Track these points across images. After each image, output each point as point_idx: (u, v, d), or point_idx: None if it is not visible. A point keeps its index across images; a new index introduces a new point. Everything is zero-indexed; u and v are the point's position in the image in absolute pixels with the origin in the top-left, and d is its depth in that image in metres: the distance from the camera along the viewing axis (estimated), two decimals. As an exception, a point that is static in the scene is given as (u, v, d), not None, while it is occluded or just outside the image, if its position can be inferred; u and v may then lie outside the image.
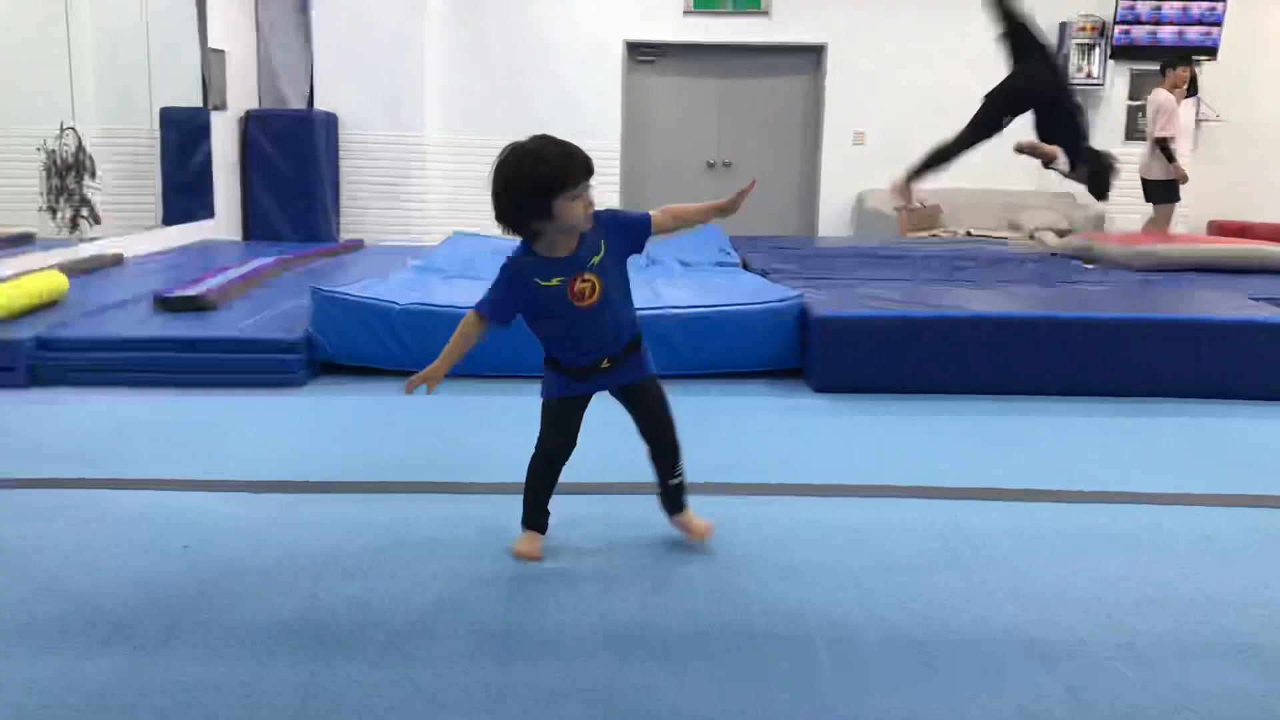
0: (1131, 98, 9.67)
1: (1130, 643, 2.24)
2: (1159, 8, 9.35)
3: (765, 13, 9.98)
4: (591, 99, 9.94)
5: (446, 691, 2.00)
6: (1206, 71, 9.60)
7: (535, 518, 2.70)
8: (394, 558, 2.65)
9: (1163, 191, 8.10)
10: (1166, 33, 9.41)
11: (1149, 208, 8.21)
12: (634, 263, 6.70)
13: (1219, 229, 9.47)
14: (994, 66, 9.92)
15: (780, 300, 4.77)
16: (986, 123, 6.47)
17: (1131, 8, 9.36)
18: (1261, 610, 2.42)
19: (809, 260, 6.83)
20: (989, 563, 2.68)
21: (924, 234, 9.44)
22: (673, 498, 2.74)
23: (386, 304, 4.64)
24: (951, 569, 2.63)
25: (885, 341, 4.51)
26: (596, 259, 2.49)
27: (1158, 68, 8.04)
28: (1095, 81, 9.77)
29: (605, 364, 2.58)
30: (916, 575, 2.59)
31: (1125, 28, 9.40)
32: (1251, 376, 4.52)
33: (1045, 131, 6.43)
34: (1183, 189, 8.02)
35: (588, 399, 2.66)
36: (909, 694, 2.02)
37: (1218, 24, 9.39)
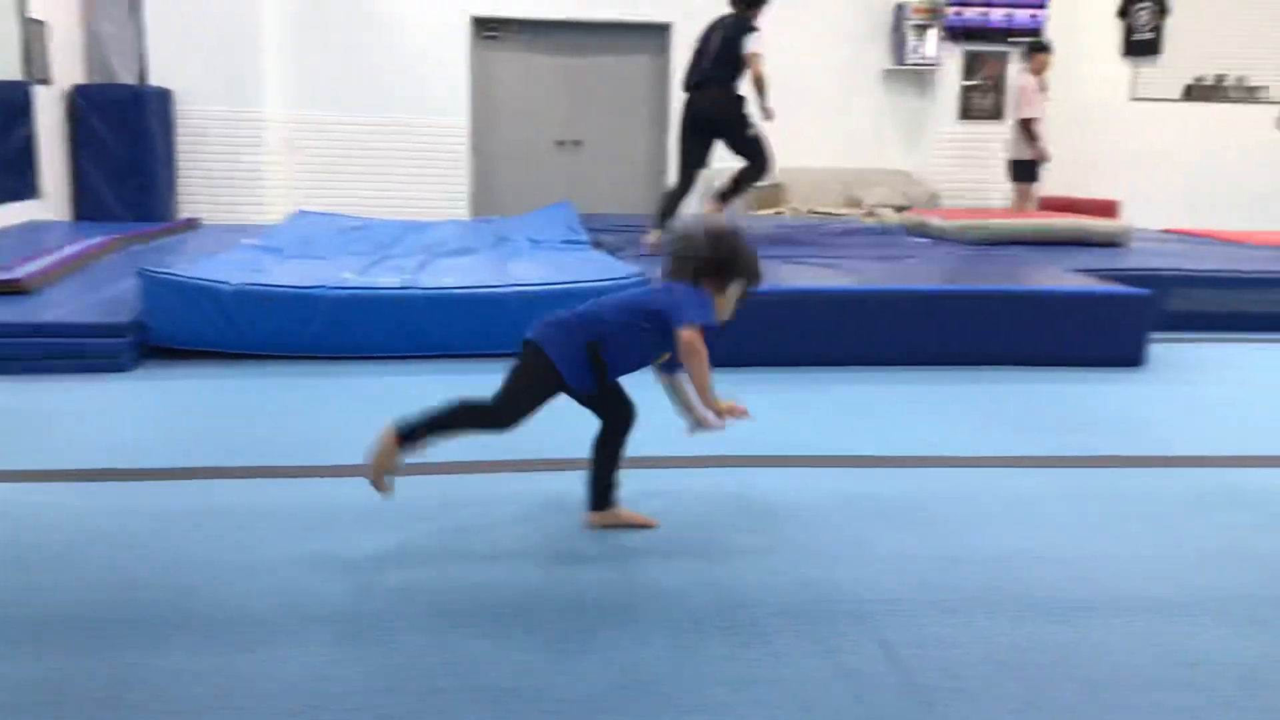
0: (965, 78, 10.01)
1: (940, 599, 2.36)
2: (990, -9, 9.72)
3: (614, -10, 9.99)
4: (437, 75, 9.80)
5: (270, 677, 1.98)
6: (1033, 53, 10.01)
7: (417, 437, 2.59)
8: (226, 544, 2.59)
9: (1026, 171, 8.52)
10: (996, 15, 9.78)
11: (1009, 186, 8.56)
12: (483, 239, 6.65)
13: (1046, 204, 9.91)
14: (842, 43, 10.23)
15: (626, 278, 4.81)
16: (688, 157, 6.55)
17: (963, -10, 9.71)
18: (1063, 565, 2.57)
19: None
20: (803, 526, 2.77)
21: (769, 211, 9.62)
22: (609, 492, 2.75)
23: (217, 285, 4.50)
24: (775, 534, 2.72)
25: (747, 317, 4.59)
26: None
27: (1021, 50, 8.38)
28: (930, 62, 10.09)
29: None
30: (746, 538, 2.67)
31: (958, 9, 9.73)
32: (1071, 343, 4.77)
33: (734, 150, 6.55)
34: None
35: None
36: (734, 658, 2.08)
37: (1043, 6, 9.80)
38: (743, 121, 6.44)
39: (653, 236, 6.30)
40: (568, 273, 4.94)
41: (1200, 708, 1.94)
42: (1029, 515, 2.91)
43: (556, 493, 2.97)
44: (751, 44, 6.40)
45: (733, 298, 2.67)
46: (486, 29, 10.17)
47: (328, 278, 4.77)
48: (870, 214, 9.40)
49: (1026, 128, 8.33)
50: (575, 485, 3.06)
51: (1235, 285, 5.66)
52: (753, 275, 2.69)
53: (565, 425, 3.53)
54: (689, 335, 2.51)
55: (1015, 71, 9.89)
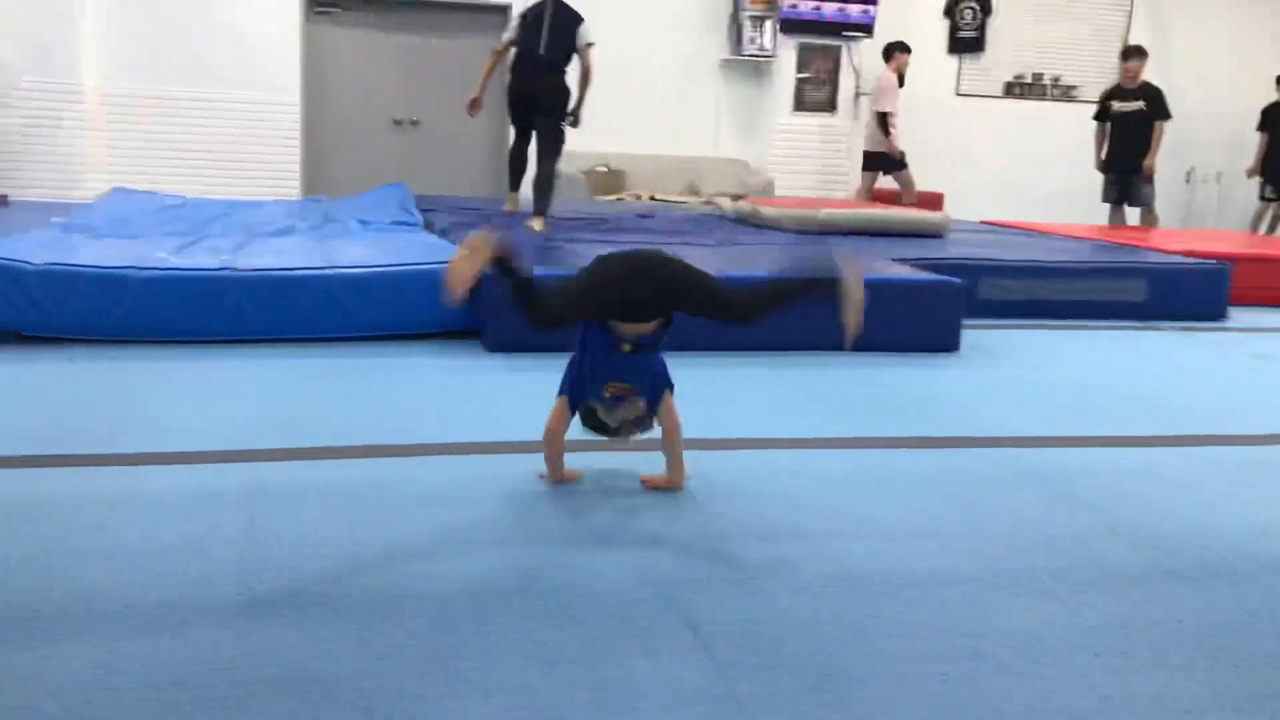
0: (799, 70, 10.23)
1: (744, 576, 2.42)
2: (822, -16, 9.96)
3: (448, -32, 9.85)
4: (268, 51, 9.48)
5: (50, 676, 1.89)
6: (864, 48, 10.30)
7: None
8: (17, 536, 2.46)
9: (882, 162, 9.32)
10: (830, 9, 10.02)
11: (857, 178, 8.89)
12: (307, 219, 6.46)
13: (876, 196, 10.23)
14: (681, 33, 10.31)
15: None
16: (522, 122, 6.91)
17: (798, -16, 9.92)
18: (866, 540, 2.66)
19: (495, 221, 6.83)
20: (638, 510, 2.80)
21: (610, 197, 9.66)
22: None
23: (19, 264, 4.26)
24: (591, 518, 2.74)
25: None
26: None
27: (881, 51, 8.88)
28: (767, 54, 10.28)
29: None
30: (555, 522, 2.68)
31: (793, 3, 9.93)
32: (891, 330, 4.90)
33: (539, 134, 6.84)
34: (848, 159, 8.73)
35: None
36: (543, 641, 2.09)
37: (874, 2, 10.09)
38: (563, 114, 6.69)
39: (510, 203, 7.20)
40: (393, 255, 4.85)
41: (984, 675, 2.03)
42: (839, 494, 3.01)
43: (361, 482, 2.92)
44: (588, 36, 6.59)
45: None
46: (319, 4, 9.89)
47: (140, 258, 4.57)
48: (708, 202, 9.53)
49: (883, 122, 8.96)
50: (380, 473, 3.03)
51: (1042, 275, 5.95)
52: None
53: (358, 413, 3.48)
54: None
55: (862, 65, 10.19)
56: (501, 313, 4.53)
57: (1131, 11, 11.44)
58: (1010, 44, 11.05)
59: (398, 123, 10.33)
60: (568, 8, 6.65)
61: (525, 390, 4.01)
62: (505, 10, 10.09)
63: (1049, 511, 2.95)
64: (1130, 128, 9.14)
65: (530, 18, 6.66)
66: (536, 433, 3.32)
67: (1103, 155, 9.32)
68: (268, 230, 5.87)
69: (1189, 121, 11.60)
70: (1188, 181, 11.72)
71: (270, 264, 4.61)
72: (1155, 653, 2.15)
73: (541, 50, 6.53)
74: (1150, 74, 11.43)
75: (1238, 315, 6.28)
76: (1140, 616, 2.31)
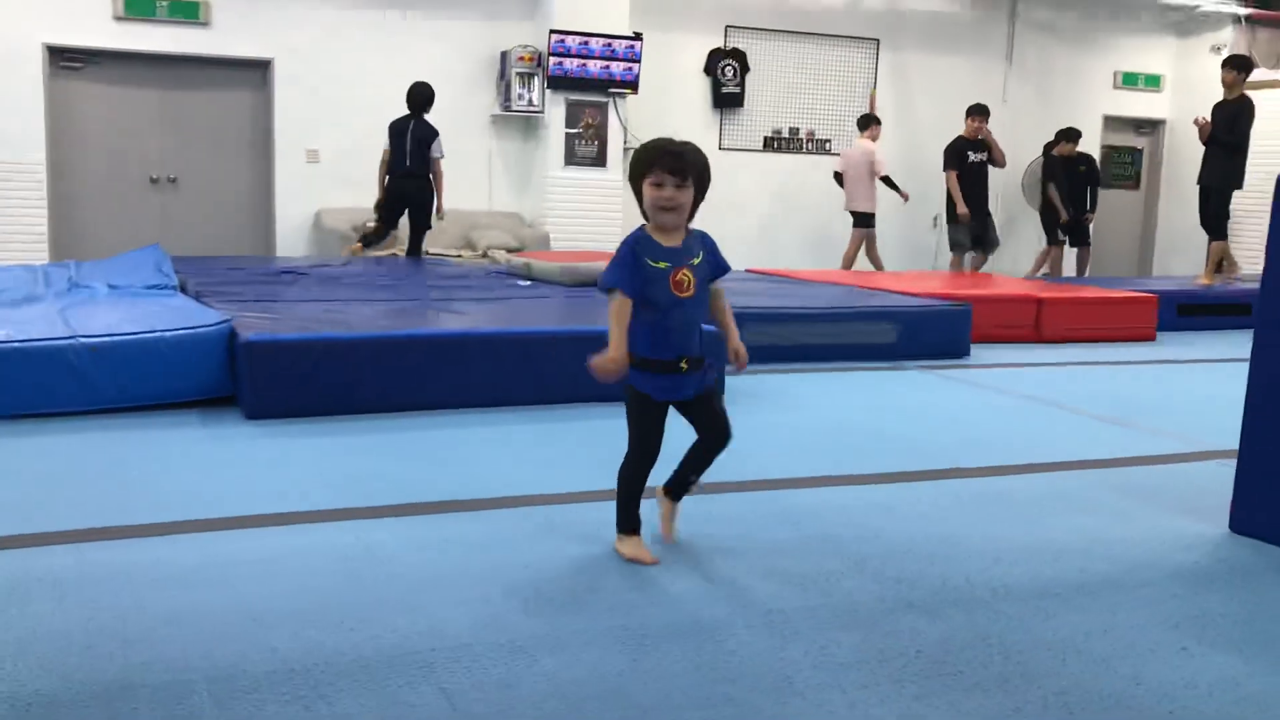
0: (569, 125, 10.40)
1: (509, 640, 2.40)
2: (586, 43, 10.15)
3: (205, 24, 9.55)
4: (8, 107, 8.94)
5: None
6: (630, 104, 10.58)
7: (633, 519, 2.94)
8: None
9: (868, 219, 10.76)
10: (595, 67, 10.25)
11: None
12: (54, 285, 6.10)
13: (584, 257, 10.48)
14: (451, 87, 10.32)
15: (207, 325, 4.57)
16: (391, 213, 8.97)
17: (562, 41, 10.08)
18: (627, 594, 2.69)
19: (258, 282, 6.62)
20: (388, 580, 2.75)
21: (382, 253, 9.52)
22: (685, 488, 3.06)
23: None
24: (350, 590, 2.67)
25: (318, 364, 4.48)
26: (696, 260, 2.83)
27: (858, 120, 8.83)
28: (536, 109, 10.40)
29: (684, 365, 2.84)
30: (314, 600, 2.59)
31: (559, 60, 10.11)
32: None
33: (413, 224, 9.02)
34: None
35: (665, 409, 2.91)
36: (288, 723, 2.01)
37: (636, 60, 10.39)
38: (429, 210, 8.77)
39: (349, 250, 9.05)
40: (142, 322, 4.62)
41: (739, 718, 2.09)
42: (608, 546, 3.03)
43: (100, 567, 2.76)
44: (437, 150, 8.61)
45: (648, 192, 2.80)
46: (65, 59, 9.40)
47: None
48: (484, 255, 9.53)
49: (890, 183, 10.73)
50: (122, 556, 2.89)
51: (799, 320, 6.22)
52: (642, 165, 2.82)
53: (99, 491, 3.33)
54: (615, 300, 2.79)
55: (629, 120, 10.44)
56: (259, 378, 4.39)
57: (876, 72, 12.20)
58: (768, 100, 11.57)
59: (154, 180, 9.90)
60: (425, 125, 8.58)
61: (284, 458, 3.90)
62: (267, 66, 9.87)
63: (801, 551, 3.06)
64: (981, 177, 10.43)
65: (395, 132, 8.58)
66: (295, 503, 3.23)
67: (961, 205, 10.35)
68: (6, 300, 5.49)
69: (933, 172, 12.48)
70: (935, 227, 12.52)
71: (4, 336, 4.31)
72: (895, 683, 2.26)
73: (407, 161, 8.56)
74: (893, 130, 12.26)
75: (978, 352, 6.73)
76: (882, 650, 2.42)
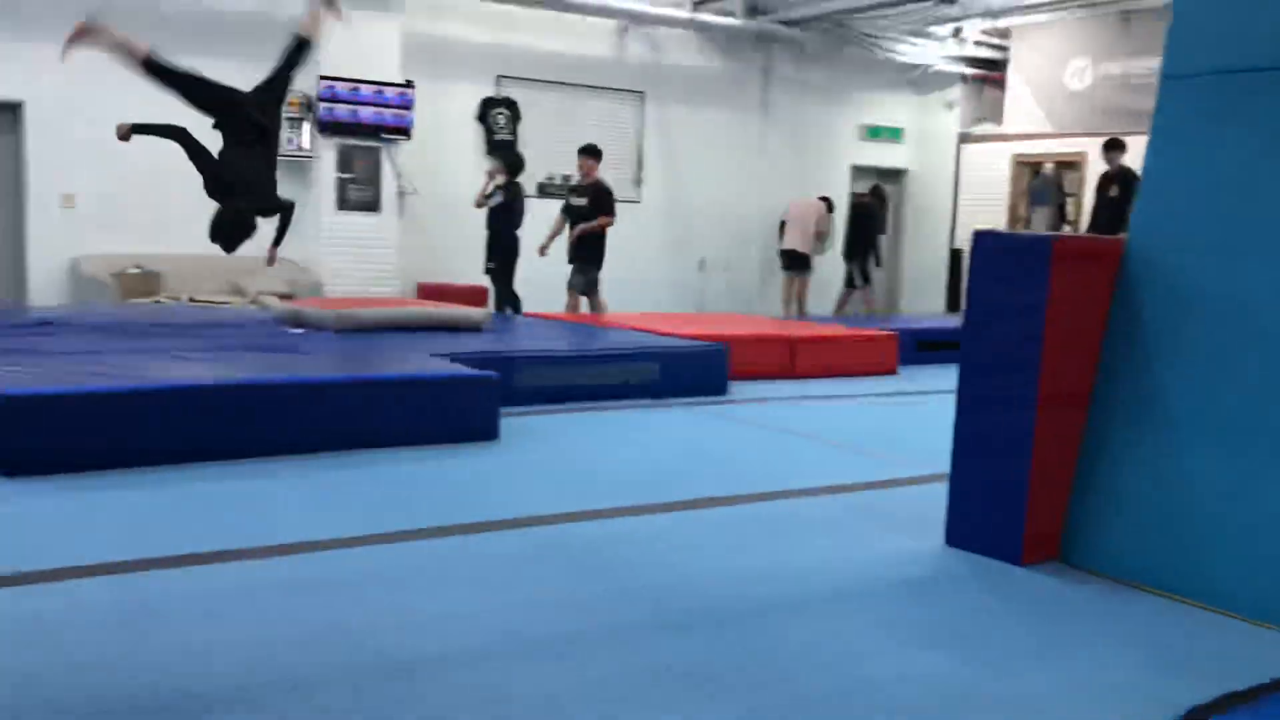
0: (340, 170, 10.39)
1: (286, 677, 2.52)
2: (356, 89, 10.20)
3: (-53, 62, 9.06)
4: None
5: None
6: (404, 149, 10.68)
7: None
8: None
9: (804, 263, 12.29)
10: (366, 112, 10.29)
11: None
12: None
13: (424, 291, 10.57)
14: (199, 130, 10.12)
15: (-41, 382, 4.42)
16: None
17: (331, 87, 10.09)
18: (403, 629, 2.85)
19: (12, 334, 6.36)
20: (162, 627, 2.81)
21: (145, 300, 9.24)
22: None
23: None
24: (124, 640, 2.71)
25: (81, 417, 4.40)
26: None
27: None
28: (307, 154, 10.36)
29: None
30: (90, 652, 2.63)
31: (329, 105, 10.10)
32: (432, 422, 5.16)
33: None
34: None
35: None
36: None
37: (409, 107, 10.50)
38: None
39: None
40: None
41: (502, 736, 2.29)
42: (385, 588, 3.17)
43: None
44: None
45: None
46: None
47: None
48: (255, 301, 9.38)
49: (821, 236, 12.42)
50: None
51: (568, 363, 6.49)
52: None
53: None
54: None
55: (403, 166, 10.50)
56: (17, 433, 4.28)
57: (643, 123, 12.73)
58: (540, 148, 11.87)
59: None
60: None
61: (44, 514, 3.84)
62: (16, 108, 9.45)
63: (569, 581, 3.29)
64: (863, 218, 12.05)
65: None
66: (58, 559, 3.23)
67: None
68: None
69: (699, 217, 13.10)
70: (701, 270, 13.13)
71: None
72: (646, 696, 2.51)
73: None
74: (661, 178, 12.86)
75: (736, 388, 7.19)
76: (640, 665, 2.68)
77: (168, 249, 9.80)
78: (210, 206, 5.54)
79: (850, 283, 12.87)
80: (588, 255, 9.67)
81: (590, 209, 9.65)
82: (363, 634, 2.81)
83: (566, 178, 12.19)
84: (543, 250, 9.82)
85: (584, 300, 9.91)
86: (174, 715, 2.32)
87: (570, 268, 9.80)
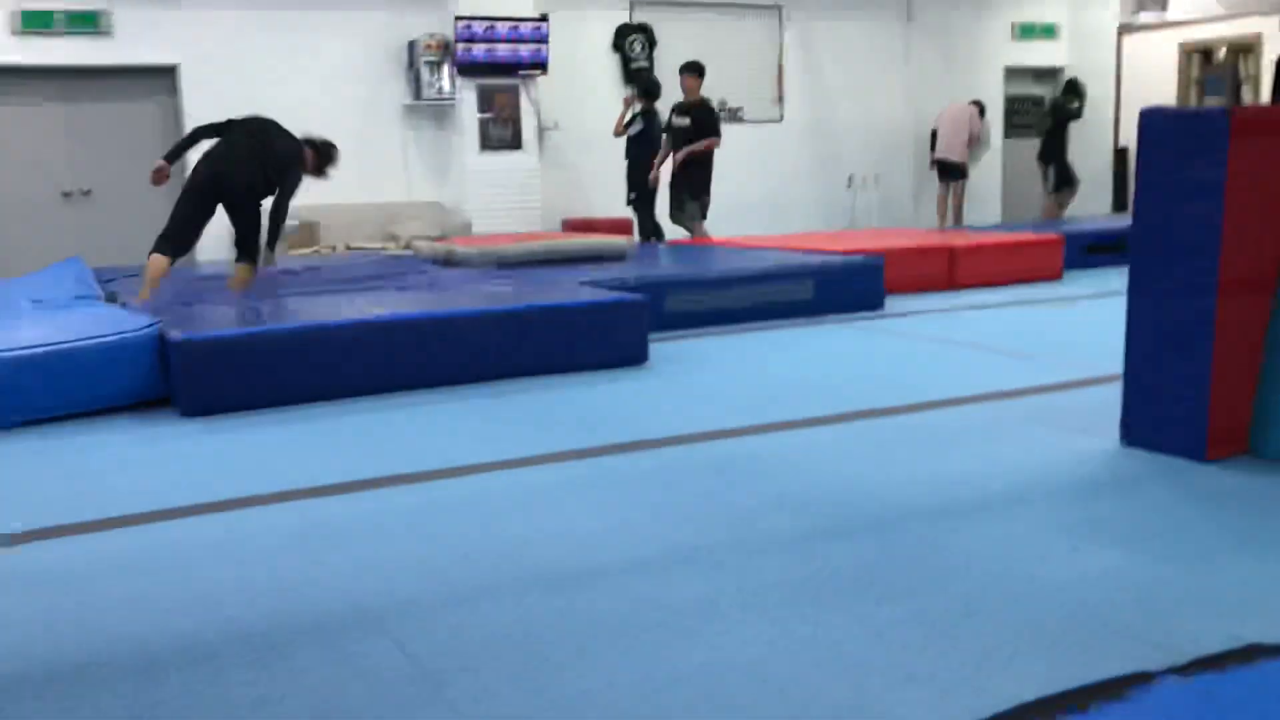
0: (481, 110, 10.46)
1: (454, 591, 2.56)
2: (492, 28, 10.22)
3: (107, 33, 9.46)
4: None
5: None
6: (540, 85, 10.67)
7: None
8: None
9: (957, 172, 11.94)
10: (503, 50, 10.31)
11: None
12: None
13: (569, 226, 10.62)
14: (359, 80, 10.37)
15: (135, 330, 4.63)
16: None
17: (468, 27, 10.13)
18: (564, 542, 2.87)
19: (187, 288, 6.66)
20: (337, 547, 2.89)
21: (305, 251, 9.55)
22: None
23: None
24: (300, 560, 2.80)
25: (249, 358, 4.57)
26: None
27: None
28: (447, 97, 10.46)
29: None
30: (267, 572, 2.73)
31: (466, 46, 10.16)
32: (582, 350, 5.18)
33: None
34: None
35: None
36: (253, 682, 2.15)
37: (544, 41, 10.47)
38: None
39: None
40: (70, 331, 4.67)
41: (666, 641, 2.27)
42: (543, 505, 3.20)
43: (51, 563, 2.87)
44: None
45: None
46: (-38, 77, 9.27)
47: None
48: (408, 246, 9.59)
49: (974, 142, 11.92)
50: (71, 551, 2.99)
51: (719, 285, 6.42)
52: None
53: (42, 496, 3.39)
54: None
55: (540, 102, 10.54)
56: (191, 377, 4.48)
57: (782, 41, 12.41)
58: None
59: (67, 195, 9.81)
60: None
61: (223, 450, 4.01)
62: (173, 71, 9.81)
63: (727, 494, 3.25)
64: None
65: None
66: (238, 489, 3.35)
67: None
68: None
69: (844, 133, 12.74)
70: (849, 187, 12.80)
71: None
72: (813, 600, 2.46)
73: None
74: (802, 95, 12.52)
75: (893, 303, 6.99)
76: (801, 572, 2.62)
77: (321, 200, 10.07)
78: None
79: (1058, 186, 12.34)
80: (692, 182, 8.99)
81: (694, 130, 9.03)
82: (523, 549, 2.83)
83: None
84: (653, 180, 9.18)
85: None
86: (350, 629, 2.38)
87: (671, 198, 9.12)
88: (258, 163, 6.33)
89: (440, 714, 2.00)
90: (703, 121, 9.05)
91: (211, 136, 6.52)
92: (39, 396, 4.37)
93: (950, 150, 11.88)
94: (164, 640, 2.35)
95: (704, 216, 9.17)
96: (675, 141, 9.13)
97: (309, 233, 9.90)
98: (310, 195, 10.08)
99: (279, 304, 5.54)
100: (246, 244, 6.44)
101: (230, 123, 6.52)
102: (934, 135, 12.10)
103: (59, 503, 3.38)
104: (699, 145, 8.98)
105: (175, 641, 2.34)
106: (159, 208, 10.07)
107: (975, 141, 11.99)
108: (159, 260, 6.24)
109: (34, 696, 2.12)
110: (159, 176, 6.33)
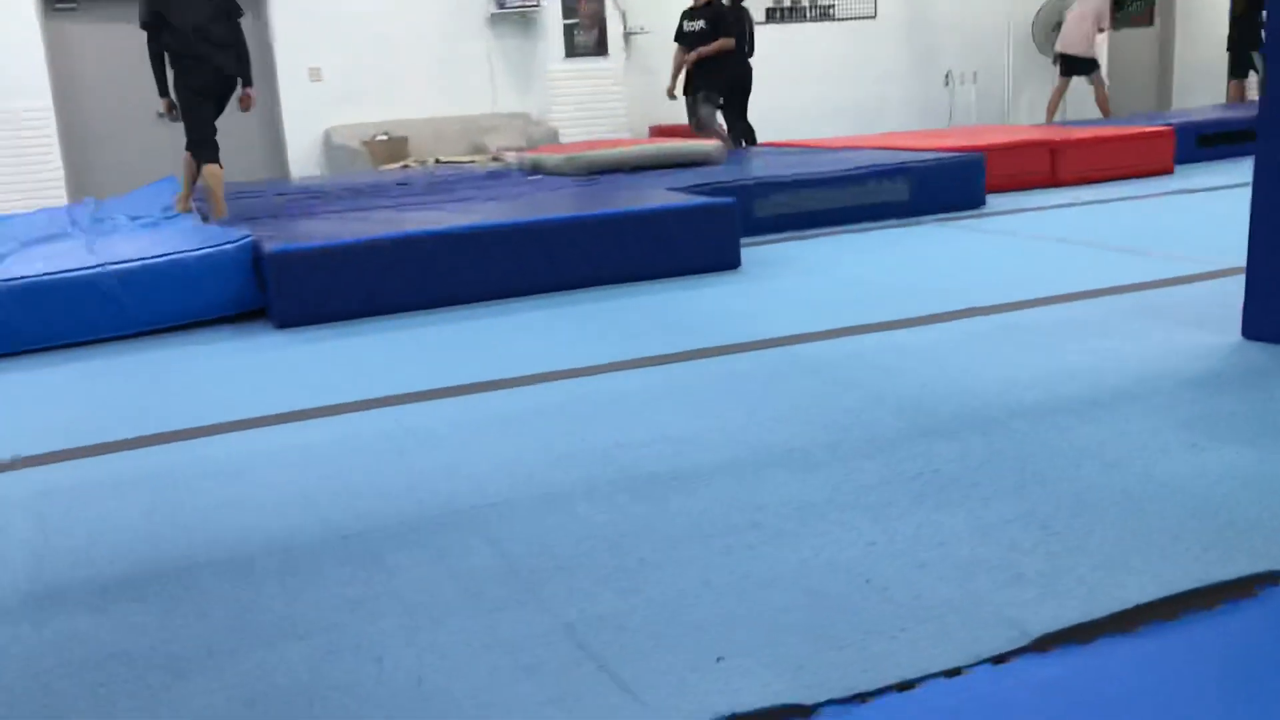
0: (566, 16, 10.28)
1: (546, 493, 2.53)
2: (576, -70, 10.00)
3: (193, -50, 9.45)
4: (8, 56, 8.95)
5: None
6: (625, -11, 10.44)
7: None
8: None
9: (1084, 65, 10.99)
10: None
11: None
12: (79, 221, 6.19)
13: (656, 133, 10.43)
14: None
15: (230, 242, 4.67)
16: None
17: (552, -69, 9.93)
18: (655, 446, 2.81)
19: (278, 200, 6.71)
20: (429, 451, 2.88)
21: (394, 166, 9.56)
22: None
23: None
24: (394, 464, 2.80)
25: (342, 268, 4.58)
26: None
27: None
28: (531, 4, 10.30)
29: None
30: (361, 476, 2.73)
31: (550, -50, 9.96)
32: (673, 254, 5.10)
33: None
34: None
35: None
36: (349, 581, 2.15)
37: (628, -56, 10.22)
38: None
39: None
40: (167, 245, 4.73)
41: (762, 541, 2.20)
42: (636, 409, 3.15)
43: (154, 468, 2.91)
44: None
45: None
46: (57, 1, 9.38)
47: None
48: (496, 158, 9.54)
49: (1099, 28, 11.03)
50: (173, 457, 3.03)
51: (810, 186, 6.23)
52: None
53: (146, 405, 3.42)
54: None
55: (627, 6, 10.31)
56: (286, 288, 4.50)
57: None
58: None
59: (161, 115, 9.91)
60: None
61: (317, 359, 4.04)
62: (258, -14, 9.81)
63: (822, 395, 3.16)
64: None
65: None
66: (332, 396, 3.36)
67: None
68: (35, 238, 5.62)
69: (941, 28, 12.26)
70: (946, 84, 12.35)
71: (38, 270, 4.43)
72: (915, 499, 2.37)
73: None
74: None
75: (995, 201, 6.73)
76: (902, 472, 2.53)
77: (409, 114, 10.07)
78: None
79: (1236, 72, 11.52)
80: (705, 83, 8.88)
81: (710, 32, 8.84)
82: (615, 451, 2.79)
83: (795, 1, 11.65)
84: (670, 92, 9.10)
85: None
86: (444, 530, 2.36)
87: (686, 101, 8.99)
88: (231, 40, 6.26)
89: (534, 614, 1.98)
90: (717, 22, 8.90)
91: (168, 41, 6.19)
92: (138, 309, 4.44)
93: (1073, 44, 11.16)
94: (261, 542, 2.37)
95: (714, 120, 9.02)
96: (689, 46, 8.98)
97: (398, 147, 9.90)
98: (396, 109, 10.12)
99: (370, 215, 5.53)
100: (210, 143, 6.22)
101: (169, 6, 6.05)
102: (1057, 27, 11.47)
103: (157, 411, 3.43)
104: (709, 47, 8.82)
105: (272, 543, 2.35)
106: (248, 124, 10.19)
107: (1103, 31, 11.22)
108: (217, 170, 6.18)
109: (134, 598, 2.15)
110: (173, 114, 6.24)
